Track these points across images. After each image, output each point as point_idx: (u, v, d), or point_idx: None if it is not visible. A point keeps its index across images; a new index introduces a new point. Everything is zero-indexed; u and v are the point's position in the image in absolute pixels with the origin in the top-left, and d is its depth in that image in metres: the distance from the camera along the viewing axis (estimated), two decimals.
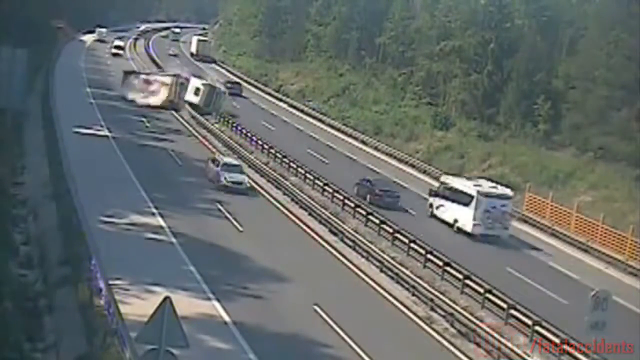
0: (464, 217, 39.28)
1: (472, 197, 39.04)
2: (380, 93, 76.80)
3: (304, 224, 37.10)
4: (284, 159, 49.31)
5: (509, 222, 39.46)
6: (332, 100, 77.14)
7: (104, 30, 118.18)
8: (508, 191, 40.57)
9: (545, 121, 58.38)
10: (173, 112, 62.87)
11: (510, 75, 63.25)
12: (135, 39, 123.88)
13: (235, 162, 44.19)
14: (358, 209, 38.90)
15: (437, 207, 41.52)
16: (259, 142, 54.10)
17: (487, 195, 39.06)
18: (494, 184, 41.44)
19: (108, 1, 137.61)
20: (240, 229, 34.72)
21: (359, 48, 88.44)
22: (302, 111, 74.02)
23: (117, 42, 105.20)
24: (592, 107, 54.09)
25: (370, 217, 37.49)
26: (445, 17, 76.96)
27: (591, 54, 57.16)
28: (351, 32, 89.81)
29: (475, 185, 40.05)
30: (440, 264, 31.26)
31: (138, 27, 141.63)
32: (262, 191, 42.58)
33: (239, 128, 58.23)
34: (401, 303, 28.10)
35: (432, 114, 66.88)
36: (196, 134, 56.43)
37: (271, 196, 41.68)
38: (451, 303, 27.16)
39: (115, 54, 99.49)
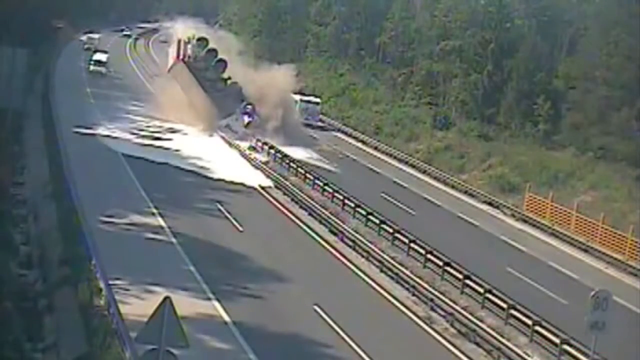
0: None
1: (297, 101, 65.48)
2: (380, 93, 76.74)
3: (304, 223, 37.08)
4: (284, 159, 49.30)
5: (318, 116, 67.14)
6: (332, 100, 77.10)
7: (95, 36, 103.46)
8: (315, 99, 68.14)
9: (545, 121, 58.33)
10: None
11: (510, 75, 63.17)
12: (136, 39, 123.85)
13: None
14: (358, 209, 38.88)
15: None
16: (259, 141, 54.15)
17: (303, 101, 66.46)
18: (311, 97, 68.46)
19: (108, 1, 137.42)
20: (240, 228, 34.73)
21: (359, 48, 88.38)
22: None
23: (98, 56, 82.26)
24: (592, 107, 54.03)
25: (370, 217, 37.48)
26: (445, 17, 76.88)
27: (591, 54, 57.10)
28: (351, 32, 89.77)
29: (299, 96, 66.35)
30: (440, 264, 31.27)
31: (122, 31, 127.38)
32: (262, 191, 42.56)
33: None
34: (401, 303, 28.10)
35: (432, 114, 66.81)
36: None
37: (271, 196, 41.65)
38: (451, 303, 27.17)
39: (94, 72, 78.30)
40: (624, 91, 52.42)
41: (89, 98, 64.14)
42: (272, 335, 23.73)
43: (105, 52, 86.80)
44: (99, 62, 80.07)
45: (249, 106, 58.28)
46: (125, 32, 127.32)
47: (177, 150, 49.59)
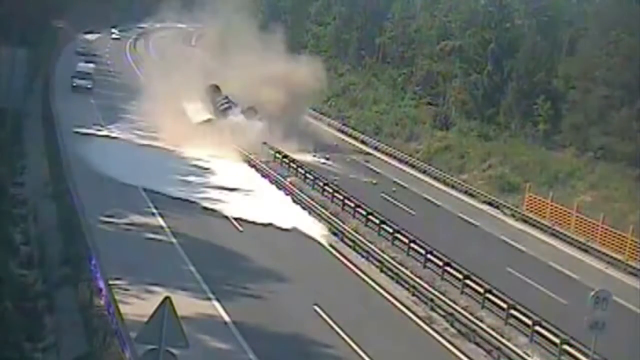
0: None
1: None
2: (380, 93, 76.70)
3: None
4: (284, 159, 49.29)
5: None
6: (332, 100, 77.10)
7: (91, 37, 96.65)
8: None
9: (545, 121, 58.32)
10: None
11: (510, 75, 63.16)
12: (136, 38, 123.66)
13: None
14: (358, 209, 38.86)
15: None
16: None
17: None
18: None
19: (108, 1, 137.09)
20: (240, 229, 34.73)
21: (359, 48, 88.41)
22: None
23: (82, 66, 69.42)
24: (592, 107, 54.01)
25: (370, 217, 37.47)
26: (445, 17, 76.91)
27: (591, 54, 57.05)
28: (351, 32, 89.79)
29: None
30: (440, 264, 31.27)
31: (112, 33, 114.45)
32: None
33: None
34: (401, 303, 28.10)
35: (432, 114, 66.80)
36: None
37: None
38: (451, 303, 27.16)
39: (78, 87, 64.78)
40: (624, 91, 52.39)
41: (88, 98, 64.08)
42: (272, 335, 23.73)
43: (91, 60, 76.55)
44: (82, 75, 66.05)
45: (250, 110, 55.73)
46: (114, 35, 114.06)
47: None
